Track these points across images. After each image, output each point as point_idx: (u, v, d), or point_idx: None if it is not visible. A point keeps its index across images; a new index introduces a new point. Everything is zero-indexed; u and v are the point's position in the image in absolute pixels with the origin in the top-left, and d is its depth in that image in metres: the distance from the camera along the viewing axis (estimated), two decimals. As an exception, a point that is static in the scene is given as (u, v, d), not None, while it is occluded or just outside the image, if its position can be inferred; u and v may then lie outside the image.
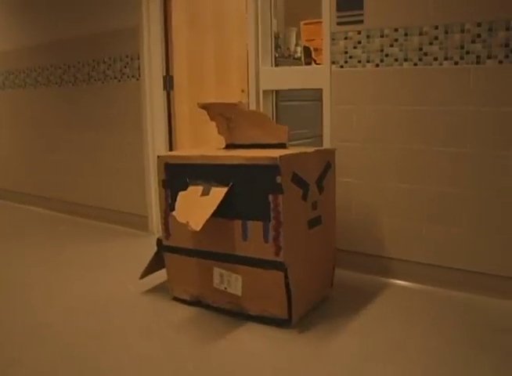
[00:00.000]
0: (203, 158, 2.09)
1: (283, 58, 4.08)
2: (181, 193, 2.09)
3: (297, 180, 1.99)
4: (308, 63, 3.99)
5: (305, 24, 4.04)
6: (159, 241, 2.31)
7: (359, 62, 2.43)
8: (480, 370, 1.66)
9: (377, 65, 2.38)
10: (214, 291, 2.12)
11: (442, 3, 2.18)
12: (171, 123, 3.46)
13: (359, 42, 2.42)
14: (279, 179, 1.89)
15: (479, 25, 2.12)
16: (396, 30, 2.31)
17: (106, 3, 3.44)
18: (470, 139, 2.20)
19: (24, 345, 1.88)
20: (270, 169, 1.90)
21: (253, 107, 2.85)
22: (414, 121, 2.32)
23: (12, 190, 4.60)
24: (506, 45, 2.07)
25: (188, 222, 1.90)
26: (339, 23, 2.46)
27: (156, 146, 3.38)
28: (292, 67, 2.93)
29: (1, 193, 4.73)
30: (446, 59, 2.21)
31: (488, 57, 2.11)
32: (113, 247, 3.15)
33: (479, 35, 2.12)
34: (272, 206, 1.91)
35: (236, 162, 2.00)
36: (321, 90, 2.58)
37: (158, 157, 2.22)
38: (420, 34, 2.25)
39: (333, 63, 2.51)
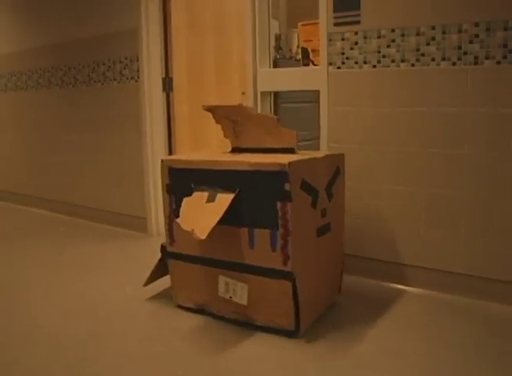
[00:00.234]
0: (208, 163, 2.01)
1: (284, 59, 4.05)
2: (186, 199, 2.02)
3: (307, 187, 1.92)
4: (306, 65, 3.95)
5: (303, 25, 4.00)
6: (163, 248, 2.23)
7: (356, 63, 2.41)
8: (480, 375, 1.63)
9: (374, 66, 2.36)
10: (219, 300, 2.05)
11: (439, 3, 2.16)
12: (170, 125, 3.45)
13: (356, 43, 2.39)
14: (287, 187, 1.82)
15: (477, 25, 2.09)
16: (393, 30, 2.29)
17: (105, 4, 3.45)
18: (468, 141, 2.17)
19: (23, 347, 1.87)
20: (278, 176, 1.83)
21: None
22: (411, 122, 2.29)
23: (14, 192, 4.62)
24: (504, 46, 2.04)
25: (193, 230, 1.83)
26: (336, 24, 2.44)
27: (155, 147, 3.37)
28: (289, 69, 2.90)
29: (4, 195, 4.75)
30: (444, 59, 2.18)
31: (486, 58, 2.08)
32: (113, 249, 3.15)
33: (477, 35, 2.09)
34: (280, 214, 1.84)
35: (242, 168, 1.91)
36: (318, 91, 2.56)
37: (162, 161, 2.14)
38: (417, 34, 2.23)
39: (330, 64, 2.48)
